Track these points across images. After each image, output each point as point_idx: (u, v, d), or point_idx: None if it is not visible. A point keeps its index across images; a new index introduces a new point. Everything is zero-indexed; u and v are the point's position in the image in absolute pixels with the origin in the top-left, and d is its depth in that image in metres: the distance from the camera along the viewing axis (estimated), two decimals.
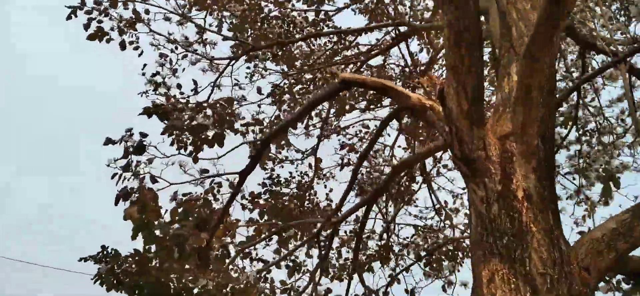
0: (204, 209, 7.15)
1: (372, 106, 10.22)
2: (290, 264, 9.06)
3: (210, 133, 7.34)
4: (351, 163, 9.52)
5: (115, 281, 6.79)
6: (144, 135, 6.25)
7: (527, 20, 4.67)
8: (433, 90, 3.99)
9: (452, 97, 3.79)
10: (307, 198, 9.79)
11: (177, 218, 6.69)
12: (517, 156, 3.59)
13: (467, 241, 9.45)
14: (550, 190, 3.63)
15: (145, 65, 8.10)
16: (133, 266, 6.83)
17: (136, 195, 6.61)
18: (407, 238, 9.86)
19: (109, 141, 6.17)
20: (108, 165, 6.42)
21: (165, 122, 7.39)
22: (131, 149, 6.13)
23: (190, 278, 6.66)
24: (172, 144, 7.31)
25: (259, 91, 8.94)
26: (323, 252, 8.86)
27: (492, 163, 3.58)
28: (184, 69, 8.25)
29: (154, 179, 7.30)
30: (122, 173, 6.67)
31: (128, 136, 6.13)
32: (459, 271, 9.15)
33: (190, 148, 7.33)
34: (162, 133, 7.43)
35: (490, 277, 3.26)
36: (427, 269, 9.36)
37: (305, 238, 7.83)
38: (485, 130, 3.72)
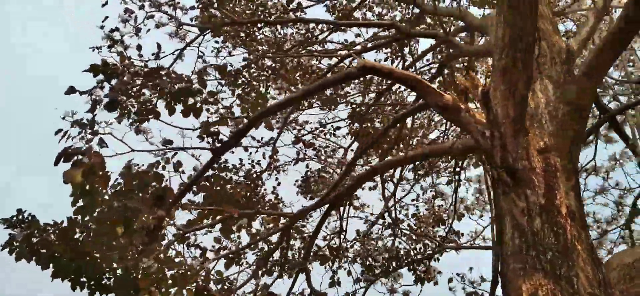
0: (157, 184, 6.50)
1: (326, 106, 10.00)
2: (230, 255, 8.59)
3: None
4: (307, 158, 9.24)
5: (30, 252, 6.01)
6: (117, 90, 5.57)
7: (550, 40, 4.68)
8: (473, 91, 3.82)
9: (498, 101, 3.65)
10: (255, 189, 9.35)
11: (131, 188, 6.06)
12: (560, 171, 3.51)
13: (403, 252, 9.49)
14: (583, 211, 3.58)
15: (106, 17, 7.31)
16: (52, 237, 6.09)
17: (81, 157, 5.87)
18: (349, 240, 9.72)
19: (72, 91, 5.43)
20: (63, 118, 5.66)
21: (112, 83, 6.72)
22: (101, 105, 5.43)
23: (133, 258, 6.05)
24: (114, 108, 6.67)
25: (224, 69, 8.37)
26: (271, 247, 8.49)
27: (535, 175, 3.47)
28: (148, 30, 7.54)
29: (102, 143, 6.61)
30: (73, 128, 5.94)
31: (99, 88, 5.42)
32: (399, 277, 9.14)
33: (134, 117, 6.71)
34: (106, 96, 6.75)
35: (532, 292, 3.13)
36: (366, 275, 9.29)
37: (264, 230, 7.40)
38: (528, 140, 3.61)
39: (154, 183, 6.32)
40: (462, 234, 10.05)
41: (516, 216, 3.42)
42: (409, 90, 7.69)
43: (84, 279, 6.00)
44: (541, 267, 3.19)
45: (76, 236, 5.95)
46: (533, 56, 3.62)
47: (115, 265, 6.03)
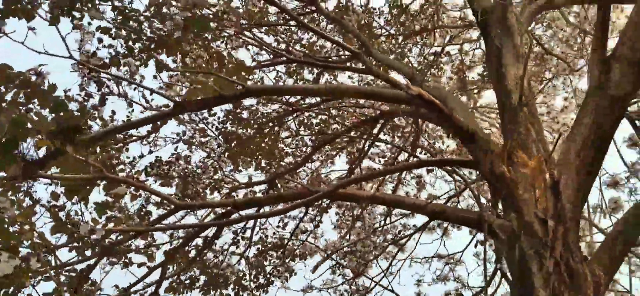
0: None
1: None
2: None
3: None
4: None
5: None
6: None
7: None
8: (537, 175, 3.73)
9: (568, 196, 3.64)
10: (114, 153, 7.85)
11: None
12: (603, 285, 3.60)
13: None
14: None
15: None
16: None
17: None
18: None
19: None
20: None
21: None
22: None
23: None
24: None
25: None
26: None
27: (587, 280, 3.50)
28: None
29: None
30: None
31: None
32: None
33: None
34: None
35: None
36: None
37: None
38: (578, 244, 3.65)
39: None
40: (295, 273, 9.93)
41: None
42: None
43: None
44: None
45: None
46: (603, 161, 3.76)
47: None
